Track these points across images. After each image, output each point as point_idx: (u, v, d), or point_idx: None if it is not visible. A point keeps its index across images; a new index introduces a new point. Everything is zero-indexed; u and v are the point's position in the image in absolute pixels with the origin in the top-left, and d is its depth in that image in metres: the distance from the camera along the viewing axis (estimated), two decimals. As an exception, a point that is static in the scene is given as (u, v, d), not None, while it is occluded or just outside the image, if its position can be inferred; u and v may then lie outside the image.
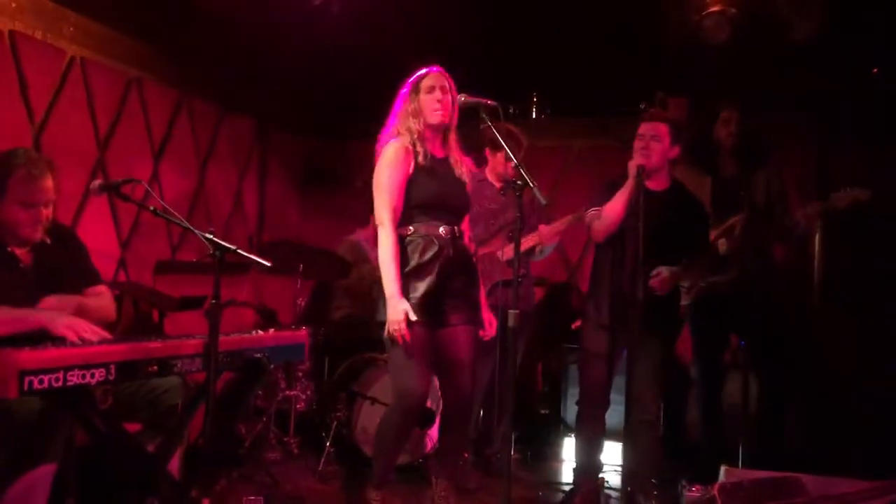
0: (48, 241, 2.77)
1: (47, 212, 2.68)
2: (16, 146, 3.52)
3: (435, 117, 3.04)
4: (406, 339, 2.94)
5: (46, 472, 2.37)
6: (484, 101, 2.94)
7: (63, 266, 2.81)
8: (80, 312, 2.66)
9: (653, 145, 3.43)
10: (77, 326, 2.47)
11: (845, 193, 3.61)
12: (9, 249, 2.67)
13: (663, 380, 3.59)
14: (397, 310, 2.93)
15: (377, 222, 3.05)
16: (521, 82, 5.49)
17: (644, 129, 3.48)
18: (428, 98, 3.05)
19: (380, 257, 3.00)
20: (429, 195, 3.05)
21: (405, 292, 2.99)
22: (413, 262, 3.02)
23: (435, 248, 3.03)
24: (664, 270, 3.39)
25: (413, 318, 2.92)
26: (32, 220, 2.64)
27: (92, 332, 2.47)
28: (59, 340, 2.40)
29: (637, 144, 3.45)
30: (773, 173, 3.96)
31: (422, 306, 2.99)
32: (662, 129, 3.45)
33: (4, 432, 2.36)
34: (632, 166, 3.39)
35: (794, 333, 4.29)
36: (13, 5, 3.58)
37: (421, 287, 3.01)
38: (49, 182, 2.65)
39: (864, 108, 4.85)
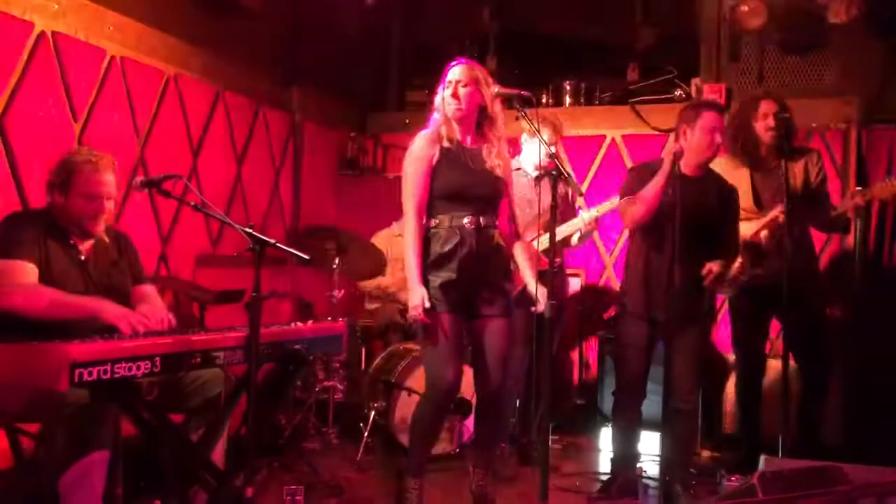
0: (105, 239, 2.88)
1: (109, 205, 2.80)
2: (61, 146, 3.65)
3: (449, 111, 3.09)
4: (429, 326, 2.99)
5: (102, 458, 2.45)
6: (517, 91, 2.97)
7: (116, 264, 2.92)
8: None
9: (716, 136, 3.42)
10: (131, 317, 2.56)
11: (886, 183, 3.56)
12: (71, 241, 2.79)
13: (701, 369, 3.58)
14: (415, 295, 2.99)
15: (405, 212, 3.09)
16: (554, 71, 5.48)
17: (712, 120, 3.42)
18: (445, 92, 3.10)
19: (405, 245, 3.06)
20: (451, 185, 3.07)
21: (427, 282, 3.04)
22: (434, 253, 3.06)
23: (456, 239, 3.05)
24: (714, 266, 3.38)
25: (427, 304, 2.96)
26: (95, 212, 2.76)
27: (139, 321, 2.56)
28: (107, 332, 2.48)
29: (706, 138, 3.41)
30: (812, 163, 3.91)
31: (444, 295, 3.02)
32: (721, 121, 3.46)
33: (59, 420, 2.45)
34: (668, 153, 3.36)
35: (835, 322, 4.23)
36: (55, 7, 3.66)
37: (441, 277, 3.04)
38: (111, 176, 2.78)
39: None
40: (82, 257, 2.81)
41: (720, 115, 3.46)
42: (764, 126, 3.83)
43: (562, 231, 3.92)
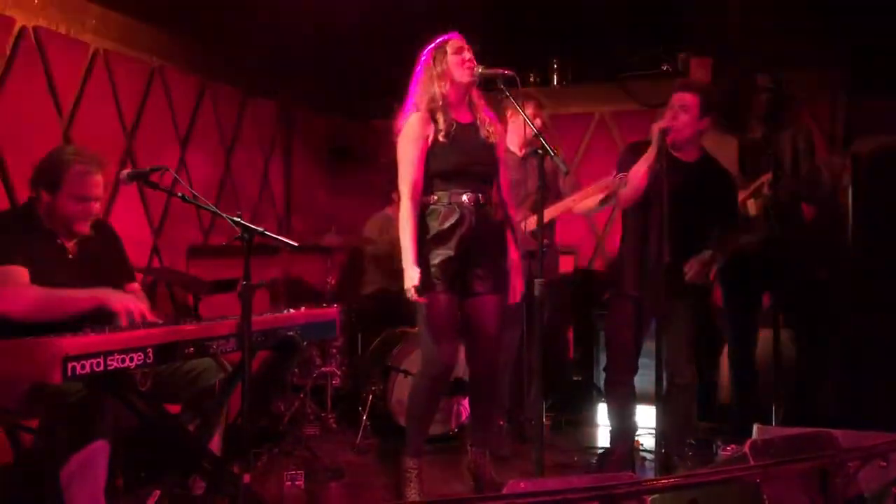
0: (91, 234, 2.87)
1: (97, 206, 2.80)
2: (47, 141, 3.64)
3: (465, 75, 3.05)
4: (424, 305, 2.99)
5: (102, 449, 2.47)
6: (500, 70, 2.96)
7: (103, 259, 2.92)
8: None
9: (680, 116, 3.40)
10: (132, 305, 2.58)
11: (870, 138, 3.57)
12: (58, 241, 2.78)
13: (695, 343, 3.60)
14: (409, 277, 2.99)
15: (402, 195, 3.09)
16: (541, 49, 5.45)
17: (674, 98, 3.44)
18: (456, 58, 3.06)
19: (399, 227, 3.06)
20: (449, 164, 3.07)
21: (427, 260, 3.04)
22: (433, 230, 3.06)
23: (456, 216, 3.05)
24: (695, 262, 3.40)
25: (415, 284, 2.95)
26: (84, 213, 2.75)
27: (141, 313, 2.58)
28: (98, 325, 2.48)
29: (666, 114, 3.42)
30: (799, 131, 3.92)
31: (442, 273, 3.03)
32: (691, 99, 3.41)
33: (58, 413, 2.48)
34: (654, 129, 3.36)
35: (827, 290, 4.25)
36: (36, 1, 3.64)
37: (441, 254, 3.04)
38: (100, 178, 2.78)
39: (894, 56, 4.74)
40: (70, 256, 2.81)
41: (691, 94, 3.43)
42: (758, 99, 3.84)
43: (550, 212, 3.93)
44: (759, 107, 3.86)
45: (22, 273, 2.60)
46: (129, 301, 2.61)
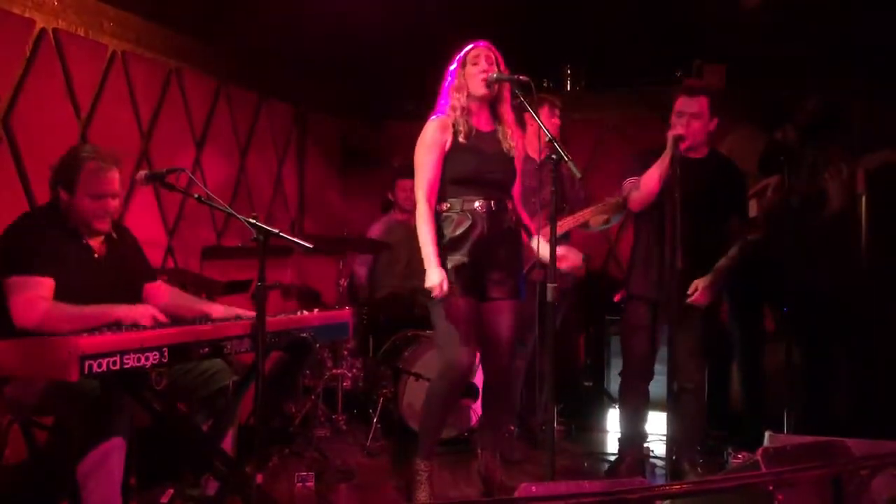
0: (114, 235, 2.91)
1: (115, 203, 2.82)
2: (65, 142, 3.68)
3: (479, 87, 3.09)
4: (443, 309, 3.01)
5: (118, 446, 2.49)
6: (515, 76, 2.98)
7: (127, 259, 2.95)
8: None
9: (693, 123, 3.40)
10: (138, 316, 2.58)
11: (877, 155, 3.56)
12: (84, 241, 2.81)
13: (706, 349, 3.60)
14: (433, 276, 3.00)
15: (417, 200, 3.10)
16: (554, 55, 5.46)
17: (682, 105, 3.43)
18: (473, 70, 3.10)
19: (418, 231, 3.07)
20: (464, 170, 3.09)
21: (442, 266, 3.05)
22: (447, 237, 3.08)
23: (468, 223, 3.07)
24: (700, 283, 3.41)
25: (446, 286, 2.98)
26: (102, 211, 2.77)
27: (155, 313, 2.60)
28: (115, 325, 2.51)
29: (676, 122, 3.41)
30: (834, 151, 3.91)
31: (457, 279, 3.05)
32: (703, 104, 3.42)
33: (74, 410, 2.50)
34: (669, 137, 3.36)
35: (837, 299, 4.23)
36: (55, 3, 3.68)
37: (453, 260, 3.06)
38: (116, 174, 2.79)
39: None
40: (96, 256, 2.84)
41: (701, 99, 3.42)
42: (804, 115, 3.85)
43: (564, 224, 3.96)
44: (802, 118, 3.86)
45: (48, 285, 2.60)
46: (137, 313, 2.59)
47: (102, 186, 2.75)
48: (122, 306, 2.60)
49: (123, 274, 2.89)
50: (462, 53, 3.15)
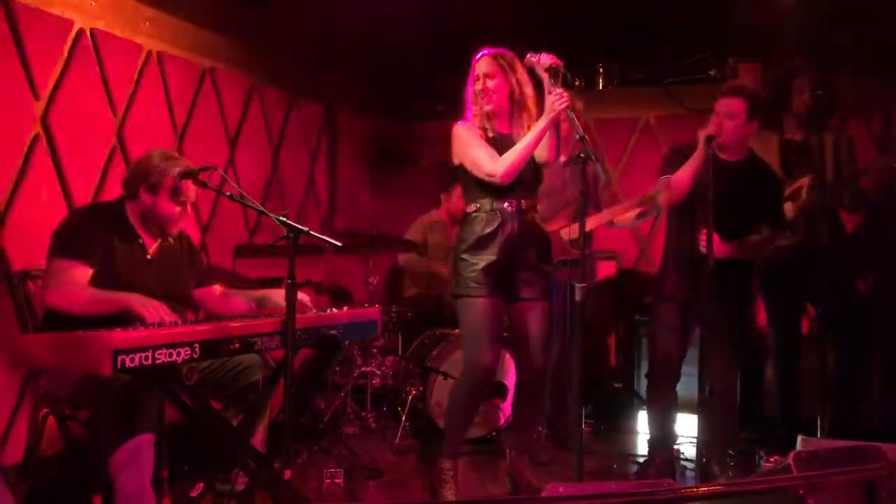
0: (171, 239, 3.00)
1: (189, 210, 2.93)
2: (101, 140, 3.74)
3: (484, 104, 3.13)
4: (468, 309, 3.05)
5: (148, 441, 2.53)
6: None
7: (180, 264, 3.02)
8: None
9: (726, 123, 3.36)
10: (159, 308, 2.61)
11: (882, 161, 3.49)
12: (140, 241, 2.88)
13: (739, 350, 3.55)
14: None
15: (489, 175, 3.06)
16: (587, 53, 5.43)
17: (719, 104, 3.39)
18: (476, 87, 3.14)
19: (511, 153, 3.03)
20: None
21: (467, 266, 3.06)
22: (476, 236, 3.08)
23: (497, 222, 3.07)
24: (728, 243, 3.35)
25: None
26: (181, 215, 2.90)
27: (165, 311, 2.61)
28: (141, 321, 2.54)
29: (712, 121, 3.38)
30: (841, 137, 3.84)
31: (486, 277, 3.04)
32: (738, 105, 3.37)
33: (106, 404, 2.55)
34: (701, 136, 3.33)
35: (870, 302, 4.15)
36: (93, 4, 3.75)
37: (483, 259, 3.07)
38: (192, 183, 2.88)
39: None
40: (149, 256, 2.90)
41: (738, 100, 3.37)
42: (799, 100, 3.77)
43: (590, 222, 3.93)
44: (799, 105, 3.79)
45: (84, 271, 2.67)
46: (149, 304, 2.62)
47: (187, 192, 2.87)
48: (138, 297, 2.64)
49: (171, 276, 2.95)
50: (475, 61, 3.16)
